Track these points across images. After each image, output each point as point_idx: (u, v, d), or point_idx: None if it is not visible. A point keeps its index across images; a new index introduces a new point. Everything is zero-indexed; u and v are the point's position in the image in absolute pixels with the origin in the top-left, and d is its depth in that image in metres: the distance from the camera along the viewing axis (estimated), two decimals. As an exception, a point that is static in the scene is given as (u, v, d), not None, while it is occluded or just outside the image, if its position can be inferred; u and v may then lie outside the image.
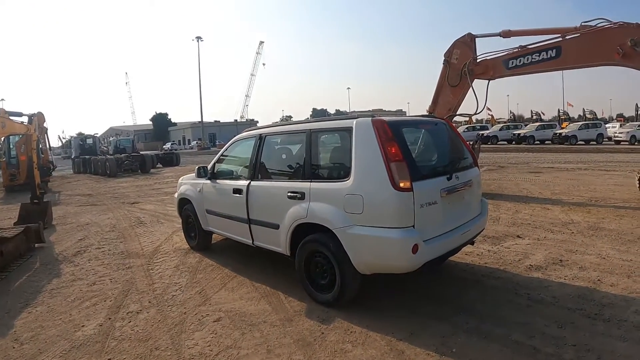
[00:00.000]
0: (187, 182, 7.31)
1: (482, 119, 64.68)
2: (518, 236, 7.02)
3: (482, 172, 13.38)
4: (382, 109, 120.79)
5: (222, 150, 6.71)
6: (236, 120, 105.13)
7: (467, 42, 11.13)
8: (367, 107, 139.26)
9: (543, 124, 41.82)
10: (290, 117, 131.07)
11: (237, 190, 5.72)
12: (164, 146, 74.28)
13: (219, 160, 6.61)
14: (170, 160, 33.00)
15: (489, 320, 4.14)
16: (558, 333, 3.86)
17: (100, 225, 10.11)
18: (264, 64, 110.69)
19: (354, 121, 4.48)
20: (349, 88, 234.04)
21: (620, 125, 39.35)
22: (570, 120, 50.49)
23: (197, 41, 73.68)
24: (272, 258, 5.91)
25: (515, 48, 10.19)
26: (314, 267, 4.76)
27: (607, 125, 40.44)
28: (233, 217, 5.88)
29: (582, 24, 9.39)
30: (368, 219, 4.13)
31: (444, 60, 11.49)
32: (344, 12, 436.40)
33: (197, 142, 78.78)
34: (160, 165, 31.78)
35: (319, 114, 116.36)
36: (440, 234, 4.32)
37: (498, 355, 3.53)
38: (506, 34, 10.35)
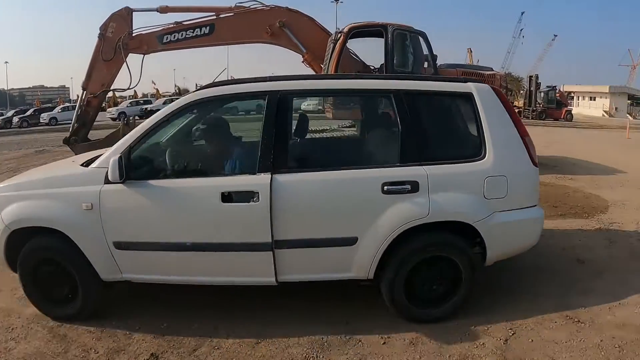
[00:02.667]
0: (34, 195, 3.77)
1: (147, 93, 64.18)
2: None
3: None
4: (43, 86, 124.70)
5: (154, 120, 3.76)
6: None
7: (124, 16, 10.90)
8: (26, 85, 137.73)
9: None
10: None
11: (239, 195, 3.49)
12: None
13: (149, 143, 3.84)
14: None
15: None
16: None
17: None
18: None
19: (472, 85, 3.80)
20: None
21: None
22: None
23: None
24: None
25: (172, 24, 10.58)
26: (419, 282, 3.72)
27: None
28: (219, 245, 3.61)
29: (237, 4, 10.38)
30: (510, 202, 3.70)
31: (99, 33, 10.97)
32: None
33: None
34: None
35: None
36: None
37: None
38: (163, 10, 10.69)
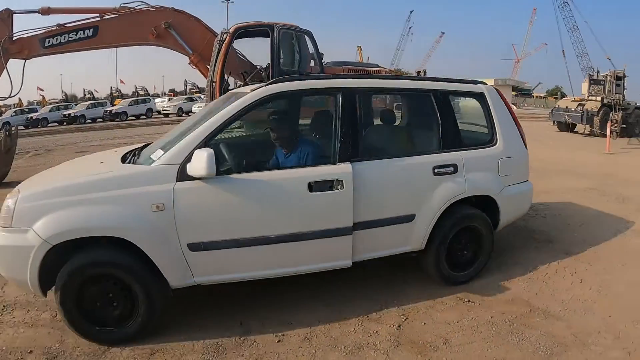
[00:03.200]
0: (83, 200, 3.25)
1: (33, 101, 58.40)
2: None
3: (28, 157, 13.74)
4: None
5: (227, 115, 3.56)
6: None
7: (3, 18, 9.89)
8: None
9: (94, 103, 40.35)
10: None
11: (325, 184, 3.62)
12: None
13: (225, 138, 3.91)
14: None
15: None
16: None
17: None
18: None
19: (483, 87, 4.63)
20: None
21: (169, 99, 44.26)
22: (124, 97, 50.54)
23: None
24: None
25: (54, 26, 9.99)
26: (454, 250, 4.30)
27: (157, 100, 43.37)
28: (304, 235, 3.63)
29: (122, 5, 10.13)
30: (513, 178, 4.57)
31: None
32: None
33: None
34: None
35: None
36: None
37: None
38: (45, 11, 10.18)
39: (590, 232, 5.81)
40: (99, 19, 9.94)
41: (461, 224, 4.25)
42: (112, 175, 3.43)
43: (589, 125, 20.44)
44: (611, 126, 16.26)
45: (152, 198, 3.27)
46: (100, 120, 35.87)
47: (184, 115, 36.25)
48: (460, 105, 4.86)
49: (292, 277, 3.78)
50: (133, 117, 36.21)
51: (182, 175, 3.31)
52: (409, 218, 3.99)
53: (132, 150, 4.24)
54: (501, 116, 4.56)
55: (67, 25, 9.86)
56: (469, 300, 4.01)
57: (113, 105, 40.51)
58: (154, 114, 38.75)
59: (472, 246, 4.39)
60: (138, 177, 3.37)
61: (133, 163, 3.68)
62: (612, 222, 6.26)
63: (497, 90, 4.71)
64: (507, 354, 3.27)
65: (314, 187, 3.58)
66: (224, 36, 8.53)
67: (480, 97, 4.57)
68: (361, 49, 59.18)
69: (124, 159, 3.84)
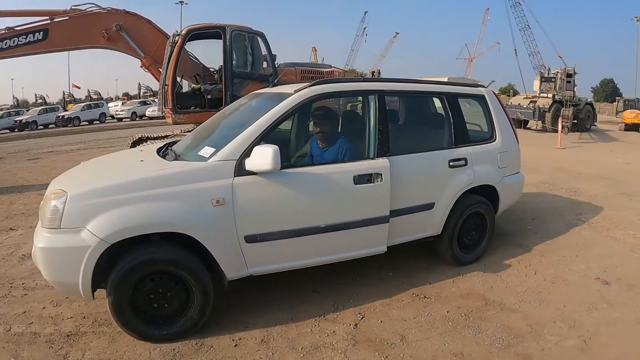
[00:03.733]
0: (141, 198, 3.24)
1: None
2: (11, 229, 6.62)
3: None
4: None
5: (277, 114, 3.73)
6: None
7: None
8: None
9: (46, 108, 39.47)
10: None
11: (368, 177, 3.92)
12: None
13: (272, 135, 3.79)
14: None
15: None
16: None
17: None
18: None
19: (483, 90, 5.23)
20: None
21: (123, 104, 43.79)
22: (77, 102, 50.09)
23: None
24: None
25: (3, 29, 9.86)
26: (463, 233, 4.78)
27: (110, 105, 42.89)
28: (348, 224, 3.89)
29: (73, 7, 10.10)
30: (509, 169, 5.12)
31: None
32: None
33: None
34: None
35: None
36: None
37: None
38: None
39: (543, 225, 5.99)
40: (49, 21, 9.69)
41: (469, 210, 4.73)
42: (170, 172, 3.48)
43: (540, 122, 21.09)
44: (562, 122, 16.81)
45: (212, 193, 3.38)
46: (53, 126, 34.81)
47: (137, 119, 36.96)
48: (472, 105, 5.35)
49: (244, 280, 3.71)
50: (86, 122, 35.30)
51: (240, 170, 3.46)
52: (430, 206, 4.42)
53: (161, 147, 4.41)
54: (499, 115, 5.11)
55: (16, 28, 9.63)
56: (424, 296, 4.04)
57: (66, 110, 39.52)
58: (107, 118, 38.28)
59: (477, 230, 4.89)
60: (197, 173, 3.45)
61: (177, 160, 3.77)
62: (564, 215, 6.47)
63: (495, 94, 5.32)
64: (464, 347, 3.30)
65: (357, 179, 3.87)
66: (176, 38, 8.37)
67: (481, 98, 5.12)
68: (316, 50, 59.53)
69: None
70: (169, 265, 3.32)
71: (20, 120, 34.40)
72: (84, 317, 3.80)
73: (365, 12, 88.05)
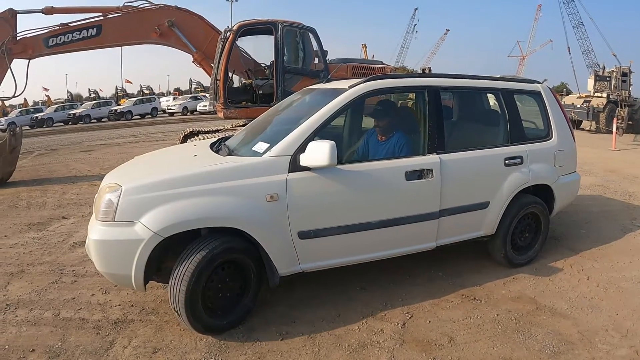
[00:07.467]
0: (195, 192, 3.27)
1: (39, 101, 57.79)
2: (64, 217, 6.87)
3: (33, 157, 13.96)
4: None
5: (332, 110, 3.70)
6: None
7: (7, 19, 10.00)
8: None
9: (99, 102, 41.12)
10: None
11: (419, 173, 3.89)
12: None
13: (325, 131, 3.74)
14: None
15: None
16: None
17: None
18: None
19: (539, 86, 5.05)
20: None
21: (174, 98, 44.32)
22: (129, 96, 51.12)
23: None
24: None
25: (57, 25, 10.03)
26: (517, 234, 4.67)
27: (161, 99, 43.90)
28: (399, 220, 3.87)
29: (125, 4, 10.18)
30: (565, 168, 4.97)
31: None
32: None
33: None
34: None
35: None
36: None
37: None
38: (49, 11, 10.25)
39: (596, 229, 5.77)
40: (102, 18, 9.95)
41: (525, 211, 4.59)
42: (225, 167, 3.49)
43: (594, 122, 20.41)
44: (617, 122, 16.19)
45: (267, 188, 3.39)
46: (106, 119, 36.07)
47: (188, 114, 37.38)
48: (529, 102, 5.25)
49: (291, 277, 3.71)
50: (138, 116, 36.40)
51: (294, 166, 3.46)
52: (484, 205, 4.32)
53: (214, 142, 4.46)
54: (555, 112, 4.97)
55: (70, 24, 9.91)
56: (474, 298, 3.97)
57: (118, 104, 40.54)
58: (159, 112, 39.15)
59: (531, 231, 4.75)
60: (251, 169, 3.45)
61: (230, 155, 3.78)
62: (618, 219, 6.22)
63: (552, 90, 5.13)
64: (513, 352, 3.23)
65: (409, 175, 3.84)
66: (228, 34, 8.41)
67: (537, 95, 4.98)
68: (366, 47, 59.01)
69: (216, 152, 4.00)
70: (240, 254, 3.39)
71: (74, 114, 35.63)
72: (132, 305, 3.92)
73: (416, 9, 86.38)
